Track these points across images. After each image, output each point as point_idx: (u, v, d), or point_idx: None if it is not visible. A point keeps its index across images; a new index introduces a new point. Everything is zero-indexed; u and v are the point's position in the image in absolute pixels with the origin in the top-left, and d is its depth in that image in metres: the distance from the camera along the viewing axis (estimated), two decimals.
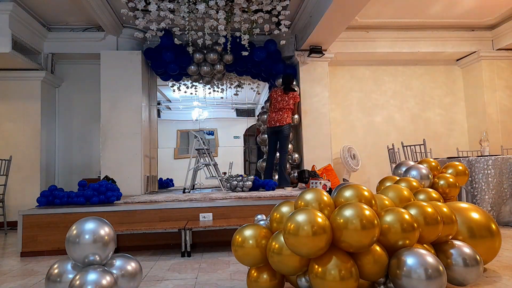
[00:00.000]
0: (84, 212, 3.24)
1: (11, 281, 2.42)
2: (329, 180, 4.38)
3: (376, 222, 1.64)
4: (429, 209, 1.86)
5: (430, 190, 2.34)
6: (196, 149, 4.98)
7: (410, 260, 1.67)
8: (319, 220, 1.64)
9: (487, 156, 3.85)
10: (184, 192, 4.68)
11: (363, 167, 6.11)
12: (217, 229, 3.00)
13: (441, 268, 1.65)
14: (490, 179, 3.71)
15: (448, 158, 4.26)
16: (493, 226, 2.17)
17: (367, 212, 1.64)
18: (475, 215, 2.18)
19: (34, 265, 2.84)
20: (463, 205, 2.27)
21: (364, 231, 1.61)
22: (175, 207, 3.37)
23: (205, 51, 5.41)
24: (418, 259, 1.66)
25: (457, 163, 2.78)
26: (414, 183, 2.54)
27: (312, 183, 4.18)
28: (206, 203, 3.42)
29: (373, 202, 1.85)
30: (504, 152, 5.63)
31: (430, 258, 1.67)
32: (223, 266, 2.60)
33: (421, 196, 2.28)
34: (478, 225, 2.14)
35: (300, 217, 1.64)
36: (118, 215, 3.27)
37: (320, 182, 4.09)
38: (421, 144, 4.69)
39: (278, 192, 4.26)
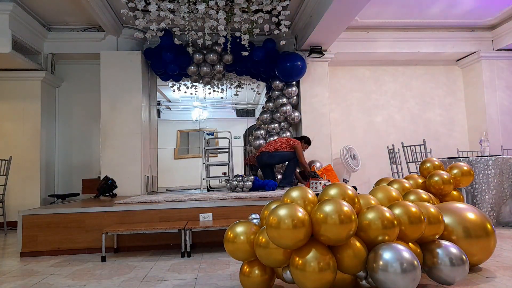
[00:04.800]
0: (84, 212, 3.24)
1: (11, 281, 2.41)
2: (329, 181, 4.38)
3: (353, 217, 1.74)
4: (413, 209, 1.94)
5: (421, 191, 2.39)
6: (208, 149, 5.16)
7: (386, 255, 1.74)
8: (299, 214, 1.75)
9: (487, 156, 3.85)
10: (208, 190, 4.89)
11: (363, 167, 6.11)
12: (217, 229, 3.00)
13: (415, 262, 1.72)
14: (490, 179, 3.71)
15: (448, 158, 4.26)
16: (489, 226, 2.19)
17: (345, 208, 1.74)
18: (470, 215, 2.21)
19: (34, 265, 2.84)
20: (459, 205, 2.30)
21: (342, 226, 1.71)
22: (175, 207, 3.37)
23: (205, 52, 5.41)
24: (394, 253, 1.73)
25: (461, 163, 2.80)
26: (407, 184, 2.58)
27: (312, 183, 4.18)
28: (206, 203, 3.42)
29: (356, 200, 1.95)
30: (504, 152, 5.63)
31: (406, 253, 1.73)
32: (223, 266, 2.60)
33: (412, 197, 2.35)
34: (474, 225, 2.17)
35: (282, 211, 1.75)
36: (118, 215, 3.27)
37: (320, 183, 4.09)
38: (421, 144, 4.69)
39: (278, 192, 4.26)
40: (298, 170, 5.37)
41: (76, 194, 5.34)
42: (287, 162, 4.93)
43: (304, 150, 5.04)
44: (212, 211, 3.34)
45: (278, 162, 4.97)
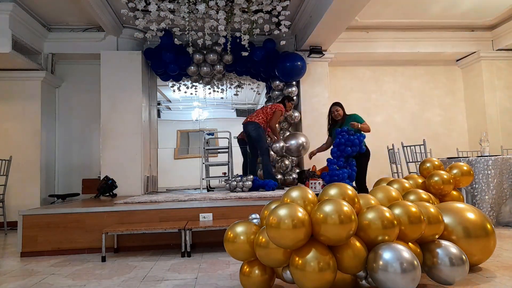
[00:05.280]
0: (84, 212, 3.24)
1: (11, 281, 2.42)
2: None
3: (353, 217, 1.74)
4: (413, 209, 1.93)
5: (421, 191, 2.39)
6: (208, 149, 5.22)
7: (386, 255, 1.74)
8: (299, 214, 1.74)
9: (487, 156, 3.85)
10: (208, 190, 4.96)
11: None
12: (217, 229, 3.00)
13: (415, 262, 1.72)
14: (490, 179, 3.71)
15: (448, 158, 4.26)
16: (488, 226, 2.19)
17: (345, 208, 1.74)
18: (470, 215, 2.20)
19: (34, 265, 2.84)
20: (459, 205, 2.30)
21: (341, 226, 1.70)
22: (175, 207, 3.37)
23: (205, 52, 5.41)
24: (394, 253, 1.73)
25: (461, 163, 2.80)
26: (407, 184, 2.58)
27: (311, 183, 4.18)
28: (206, 203, 3.42)
29: (356, 200, 1.95)
30: (504, 152, 5.63)
31: (406, 253, 1.73)
32: (223, 266, 2.60)
33: (412, 197, 2.34)
34: (474, 225, 2.16)
35: (282, 211, 1.75)
36: (118, 215, 3.27)
37: (319, 183, 4.09)
38: (421, 145, 4.69)
39: (278, 192, 4.26)
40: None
41: (76, 194, 5.34)
42: (260, 156, 4.88)
43: (289, 110, 5.18)
44: (212, 211, 3.34)
45: (254, 138, 4.85)
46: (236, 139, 5.50)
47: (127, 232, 2.92)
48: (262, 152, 4.84)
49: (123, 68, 5.19)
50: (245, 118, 5.12)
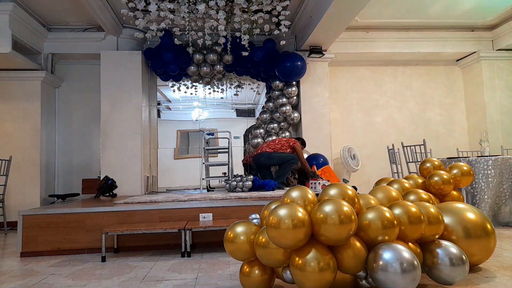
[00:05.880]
0: (84, 212, 3.24)
1: (11, 281, 2.41)
2: (328, 181, 4.38)
3: (353, 217, 1.74)
4: (413, 209, 1.93)
5: (421, 191, 2.39)
6: (208, 149, 5.24)
7: (386, 255, 1.74)
8: (299, 214, 1.75)
9: (487, 156, 3.85)
10: (208, 190, 4.95)
11: (363, 168, 6.12)
12: (217, 229, 3.00)
13: (415, 262, 1.72)
14: (490, 179, 3.71)
15: (448, 158, 4.26)
16: (488, 226, 2.19)
17: (345, 208, 1.74)
18: (470, 215, 2.20)
19: (34, 265, 2.84)
20: (459, 205, 2.30)
21: (341, 226, 1.70)
22: (175, 207, 3.37)
23: (204, 52, 5.41)
24: (394, 253, 1.73)
25: (461, 163, 2.80)
26: (407, 184, 2.58)
27: (311, 183, 4.18)
28: (206, 203, 3.42)
29: (356, 200, 1.95)
30: (504, 152, 5.63)
31: (406, 253, 1.73)
32: (223, 266, 2.60)
33: (412, 197, 2.35)
34: (474, 225, 2.16)
35: (282, 211, 1.75)
36: (118, 215, 3.27)
37: (319, 183, 4.09)
38: (421, 145, 4.69)
39: (278, 192, 4.26)
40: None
41: (76, 194, 5.34)
42: (285, 165, 4.81)
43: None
44: (212, 211, 3.34)
45: (276, 163, 4.87)
46: (242, 163, 5.53)
47: (127, 232, 2.92)
48: (288, 163, 4.74)
49: (123, 68, 5.19)
50: (244, 118, 5.12)
